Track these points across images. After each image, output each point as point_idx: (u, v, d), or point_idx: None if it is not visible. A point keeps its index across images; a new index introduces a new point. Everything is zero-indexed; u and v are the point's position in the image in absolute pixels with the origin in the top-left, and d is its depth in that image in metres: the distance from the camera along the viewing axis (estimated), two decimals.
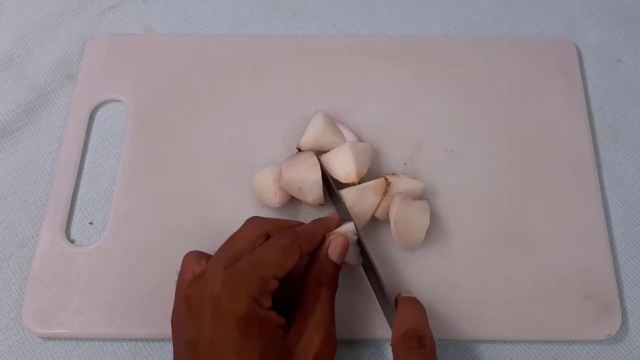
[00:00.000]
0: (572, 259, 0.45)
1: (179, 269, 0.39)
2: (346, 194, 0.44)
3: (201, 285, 0.36)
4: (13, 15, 0.56)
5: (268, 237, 0.39)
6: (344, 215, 0.43)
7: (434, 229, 0.46)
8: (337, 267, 0.40)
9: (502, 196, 0.47)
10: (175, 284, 0.39)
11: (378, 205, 0.45)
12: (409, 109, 0.51)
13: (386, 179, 0.45)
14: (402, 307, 0.40)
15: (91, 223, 0.47)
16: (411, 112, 0.51)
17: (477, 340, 0.44)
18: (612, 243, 0.47)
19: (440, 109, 0.51)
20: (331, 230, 0.41)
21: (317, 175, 0.44)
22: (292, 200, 0.46)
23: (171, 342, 0.37)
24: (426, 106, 0.51)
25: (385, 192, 0.45)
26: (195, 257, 0.39)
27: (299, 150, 0.47)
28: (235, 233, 0.40)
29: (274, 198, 0.45)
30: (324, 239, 0.40)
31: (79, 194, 0.48)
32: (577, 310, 0.44)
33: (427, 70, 0.53)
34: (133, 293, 0.44)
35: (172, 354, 0.37)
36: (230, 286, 0.35)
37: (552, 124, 0.50)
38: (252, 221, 0.40)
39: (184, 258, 0.40)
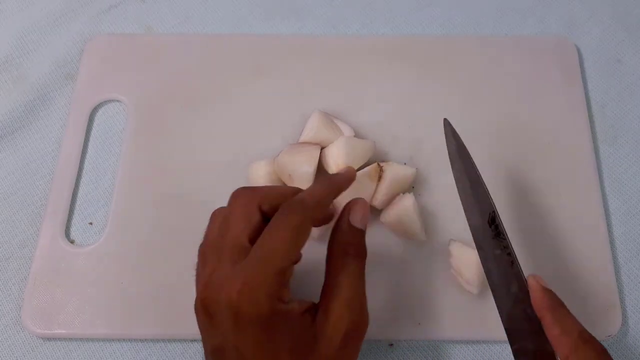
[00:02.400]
0: (572, 259, 0.45)
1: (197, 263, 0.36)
2: None
3: (215, 290, 0.33)
4: (13, 15, 0.56)
5: (262, 210, 0.35)
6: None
7: (434, 228, 0.46)
8: (362, 233, 0.37)
9: (502, 196, 0.47)
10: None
11: (374, 193, 0.45)
12: (409, 109, 0.51)
13: (378, 164, 0.45)
14: (553, 306, 0.36)
15: (91, 223, 0.47)
16: (411, 112, 0.51)
17: (478, 341, 0.44)
18: (612, 243, 0.47)
19: (440, 108, 0.51)
20: (345, 189, 0.37)
21: (311, 168, 0.43)
22: None
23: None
24: (426, 106, 0.51)
25: (380, 177, 0.45)
26: (213, 248, 0.35)
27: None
28: (225, 215, 0.35)
29: None
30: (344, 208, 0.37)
31: (79, 194, 0.48)
32: (577, 310, 0.43)
33: (427, 70, 0.53)
34: (133, 293, 0.44)
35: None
36: (247, 289, 0.31)
37: (552, 124, 0.50)
38: (240, 197, 0.36)
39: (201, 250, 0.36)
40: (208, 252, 0.35)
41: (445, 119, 0.41)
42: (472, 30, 0.56)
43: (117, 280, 0.44)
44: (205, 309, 0.33)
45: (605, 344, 0.43)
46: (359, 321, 0.35)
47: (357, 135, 0.48)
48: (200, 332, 0.35)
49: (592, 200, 0.47)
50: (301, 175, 0.44)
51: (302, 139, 0.47)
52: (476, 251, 0.42)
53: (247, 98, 0.51)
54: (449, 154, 0.41)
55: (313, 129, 0.47)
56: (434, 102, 0.51)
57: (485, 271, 0.38)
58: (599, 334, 0.43)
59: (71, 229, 0.47)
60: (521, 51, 0.54)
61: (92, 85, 0.52)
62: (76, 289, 0.44)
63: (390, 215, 0.44)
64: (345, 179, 0.38)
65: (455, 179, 0.40)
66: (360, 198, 0.37)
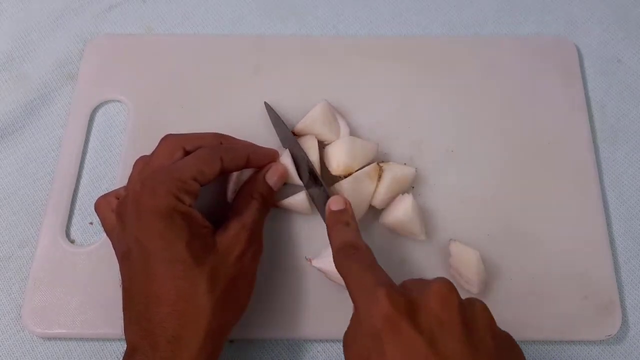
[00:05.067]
0: (572, 259, 0.45)
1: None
2: (344, 184, 0.44)
3: (124, 197, 0.39)
4: (13, 15, 0.56)
5: (185, 150, 0.41)
6: (320, 206, 0.44)
7: (434, 229, 0.46)
8: (271, 189, 0.43)
9: (502, 196, 0.47)
10: None
11: (374, 193, 0.45)
12: (409, 109, 0.51)
13: (378, 164, 0.45)
14: (333, 226, 0.40)
15: (91, 223, 0.47)
16: (411, 112, 0.51)
17: None
18: (612, 243, 0.47)
19: (440, 109, 0.51)
20: (261, 160, 0.44)
21: (315, 157, 0.45)
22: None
23: None
24: (426, 106, 0.51)
25: (380, 177, 0.45)
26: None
27: (293, 134, 0.48)
28: (151, 153, 0.41)
29: None
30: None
31: (79, 194, 0.48)
32: (577, 310, 0.44)
33: (427, 70, 0.53)
34: None
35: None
36: (149, 186, 0.37)
37: (552, 124, 0.50)
38: (168, 138, 0.42)
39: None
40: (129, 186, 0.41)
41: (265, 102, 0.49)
42: (472, 30, 0.56)
43: (117, 280, 0.44)
44: (118, 215, 0.39)
45: (605, 344, 0.44)
46: (253, 244, 0.40)
47: (356, 135, 0.48)
48: (114, 247, 0.40)
49: (592, 200, 0.47)
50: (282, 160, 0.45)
51: (298, 125, 0.48)
52: (476, 251, 0.43)
53: (246, 98, 0.51)
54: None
55: (311, 118, 0.47)
56: (434, 102, 0.51)
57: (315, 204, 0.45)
58: (599, 334, 0.43)
59: (71, 229, 0.47)
60: (521, 51, 0.54)
61: (92, 85, 0.52)
62: (76, 289, 0.44)
63: (390, 215, 0.44)
64: (264, 154, 0.45)
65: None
66: (284, 165, 0.44)
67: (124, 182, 0.48)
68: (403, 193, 0.45)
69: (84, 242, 0.47)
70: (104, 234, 0.46)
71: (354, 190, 0.44)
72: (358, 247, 0.37)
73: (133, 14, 0.57)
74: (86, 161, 0.50)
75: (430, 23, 0.56)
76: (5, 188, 0.49)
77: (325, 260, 0.42)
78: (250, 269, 0.40)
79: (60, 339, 0.44)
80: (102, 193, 0.48)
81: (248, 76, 0.52)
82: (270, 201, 0.44)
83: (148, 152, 0.49)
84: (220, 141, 0.43)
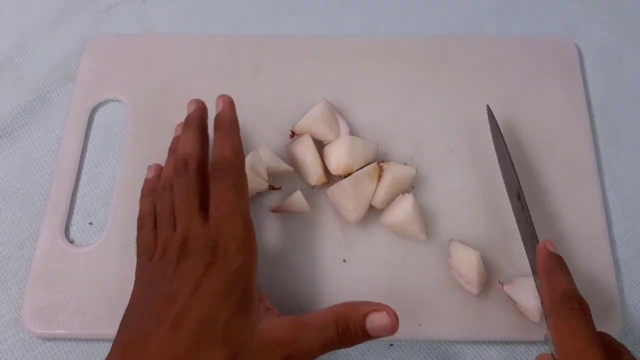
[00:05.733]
0: (572, 259, 0.45)
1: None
2: (345, 183, 0.44)
3: (192, 244, 0.37)
4: (13, 16, 0.56)
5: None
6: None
7: (434, 228, 0.46)
8: (365, 334, 0.36)
9: (502, 196, 0.47)
10: None
11: (374, 193, 0.45)
12: (409, 109, 0.51)
13: (379, 164, 0.45)
14: (551, 269, 0.37)
15: (91, 223, 0.47)
16: (411, 112, 0.51)
17: (478, 341, 0.44)
18: (612, 243, 0.47)
19: (440, 108, 0.51)
20: (238, 130, 0.42)
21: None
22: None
23: None
24: (426, 106, 0.51)
25: (380, 177, 0.45)
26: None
27: (293, 133, 0.48)
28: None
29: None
30: None
31: (79, 194, 0.48)
32: None
33: (427, 70, 0.53)
34: None
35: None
36: (222, 240, 0.36)
37: (552, 124, 0.50)
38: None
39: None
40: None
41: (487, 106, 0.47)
42: (472, 30, 0.56)
43: (117, 280, 0.44)
44: (179, 258, 0.36)
45: None
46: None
47: (357, 135, 0.48)
48: (149, 280, 0.38)
49: (592, 200, 0.47)
50: (309, 163, 0.46)
51: (297, 125, 0.48)
52: (476, 251, 0.43)
53: (246, 98, 0.51)
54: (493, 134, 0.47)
55: (310, 118, 0.47)
56: (433, 102, 0.51)
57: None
58: None
59: (71, 229, 0.47)
60: (521, 51, 0.54)
61: (91, 85, 0.52)
62: (76, 289, 0.44)
63: (390, 215, 0.44)
64: (228, 120, 0.43)
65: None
66: (394, 320, 0.36)
67: (124, 182, 0.48)
68: (403, 193, 0.45)
69: (83, 242, 0.47)
70: (104, 234, 0.46)
71: (354, 190, 0.44)
72: (581, 302, 0.35)
73: (132, 13, 0.57)
74: (85, 161, 0.50)
75: (430, 23, 0.56)
76: (4, 188, 0.49)
77: (519, 290, 0.42)
78: None
79: (59, 339, 0.44)
80: (101, 193, 0.48)
81: (248, 76, 0.52)
82: (351, 344, 0.36)
83: (147, 152, 0.49)
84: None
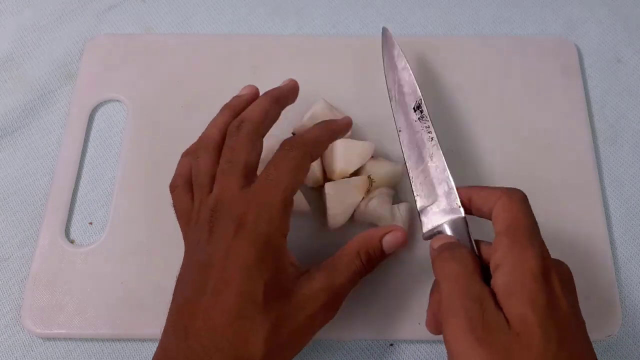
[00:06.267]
0: (572, 259, 0.45)
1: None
2: (328, 189, 0.44)
3: (225, 207, 0.35)
4: (13, 15, 0.56)
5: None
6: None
7: None
8: (382, 255, 0.39)
9: None
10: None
11: (358, 206, 0.44)
12: None
13: (369, 177, 0.45)
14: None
15: (91, 223, 0.47)
16: None
17: None
18: (612, 243, 0.47)
19: (440, 108, 0.51)
20: (340, 134, 0.42)
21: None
22: None
23: None
24: (426, 106, 0.51)
25: (368, 191, 0.45)
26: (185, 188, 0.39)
27: (294, 134, 0.48)
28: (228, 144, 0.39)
29: None
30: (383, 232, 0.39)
31: (79, 194, 0.48)
32: None
33: (427, 70, 0.53)
34: (133, 293, 0.44)
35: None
36: (255, 207, 0.35)
37: (552, 124, 0.50)
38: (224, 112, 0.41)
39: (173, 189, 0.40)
40: (220, 172, 0.38)
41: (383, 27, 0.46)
42: (472, 30, 0.56)
43: (117, 280, 0.44)
44: (211, 222, 0.35)
45: (605, 344, 0.44)
46: (333, 309, 0.37)
47: (357, 135, 0.48)
48: (189, 246, 0.37)
49: (592, 201, 0.47)
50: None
51: (300, 125, 0.47)
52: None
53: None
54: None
55: (311, 118, 0.47)
56: (433, 102, 0.51)
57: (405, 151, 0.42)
58: (599, 334, 0.43)
59: (71, 229, 0.47)
60: (521, 51, 0.54)
61: (92, 85, 0.52)
62: (76, 289, 0.44)
63: (363, 215, 0.45)
64: (340, 124, 0.42)
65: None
66: (405, 232, 0.40)
67: (124, 182, 0.48)
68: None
69: (83, 242, 0.47)
70: (104, 234, 0.46)
71: (339, 196, 0.44)
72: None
73: (133, 13, 0.57)
74: (86, 161, 0.50)
75: (430, 23, 0.56)
76: (4, 188, 0.49)
77: None
78: (315, 329, 0.37)
79: (59, 339, 0.44)
80: (101, 193, 0.48)
81: (248, 76, 0.52)
82: (374, 267, 0.39)
83: (147, 152, 0.49)
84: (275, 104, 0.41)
